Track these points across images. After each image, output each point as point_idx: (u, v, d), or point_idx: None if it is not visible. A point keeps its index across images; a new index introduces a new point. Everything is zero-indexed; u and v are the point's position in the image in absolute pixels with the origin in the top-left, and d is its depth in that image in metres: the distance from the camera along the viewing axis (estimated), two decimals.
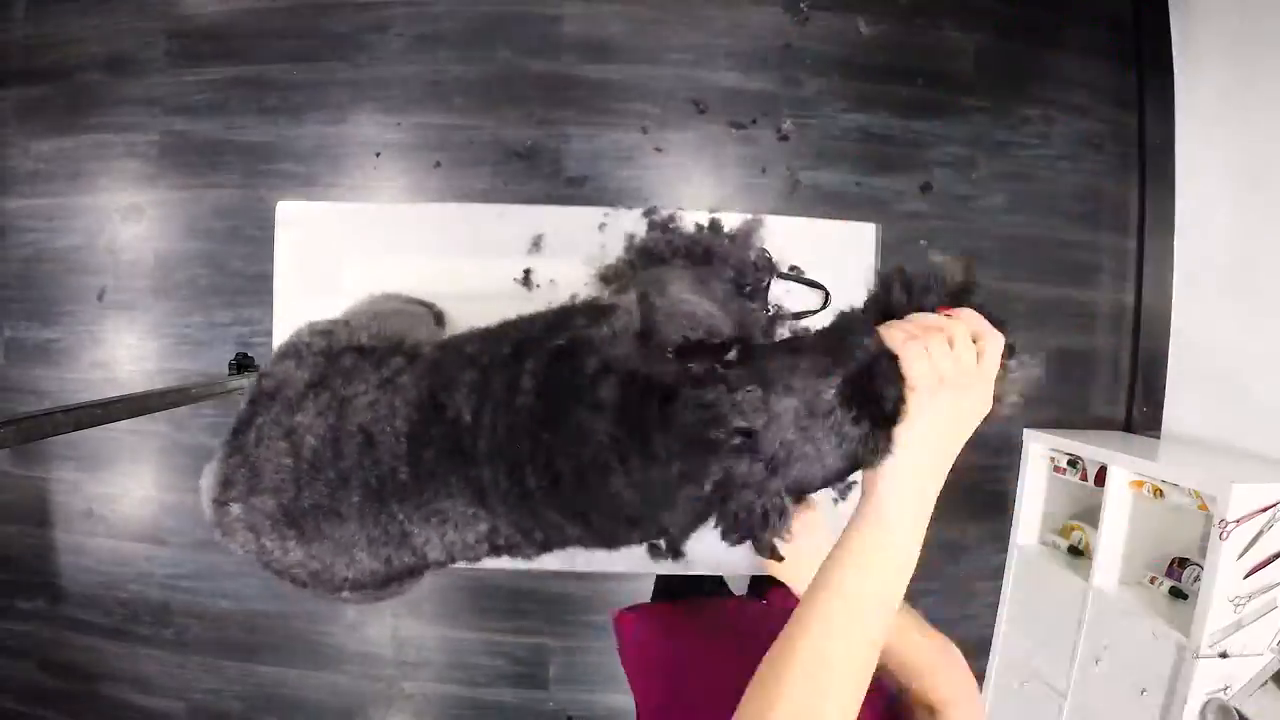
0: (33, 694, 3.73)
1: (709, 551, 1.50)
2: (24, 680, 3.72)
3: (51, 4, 3.52)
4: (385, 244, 2.19)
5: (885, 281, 1.04)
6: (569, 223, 2.17)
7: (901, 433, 0.95)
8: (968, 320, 0.96)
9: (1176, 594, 2.85)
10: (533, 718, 3.63)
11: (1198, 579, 2.69)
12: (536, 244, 2.14)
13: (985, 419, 1.00)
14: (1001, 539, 3.52)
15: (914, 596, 3.04)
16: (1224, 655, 2.52)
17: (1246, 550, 2.50)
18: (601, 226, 2.14)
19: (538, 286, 2.09)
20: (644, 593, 3.53)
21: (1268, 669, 2.57)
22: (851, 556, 0.93)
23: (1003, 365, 0.98)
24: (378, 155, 3.43)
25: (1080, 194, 3.55)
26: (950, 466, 0.98)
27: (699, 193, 3.44)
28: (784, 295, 1.90)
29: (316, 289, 2.18)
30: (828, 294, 1.81)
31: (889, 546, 0.94)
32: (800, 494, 1.04)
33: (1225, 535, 2.47)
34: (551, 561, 1.61)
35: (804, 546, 1.20)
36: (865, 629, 0.89)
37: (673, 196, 3.40)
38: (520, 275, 2.10)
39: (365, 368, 1.15)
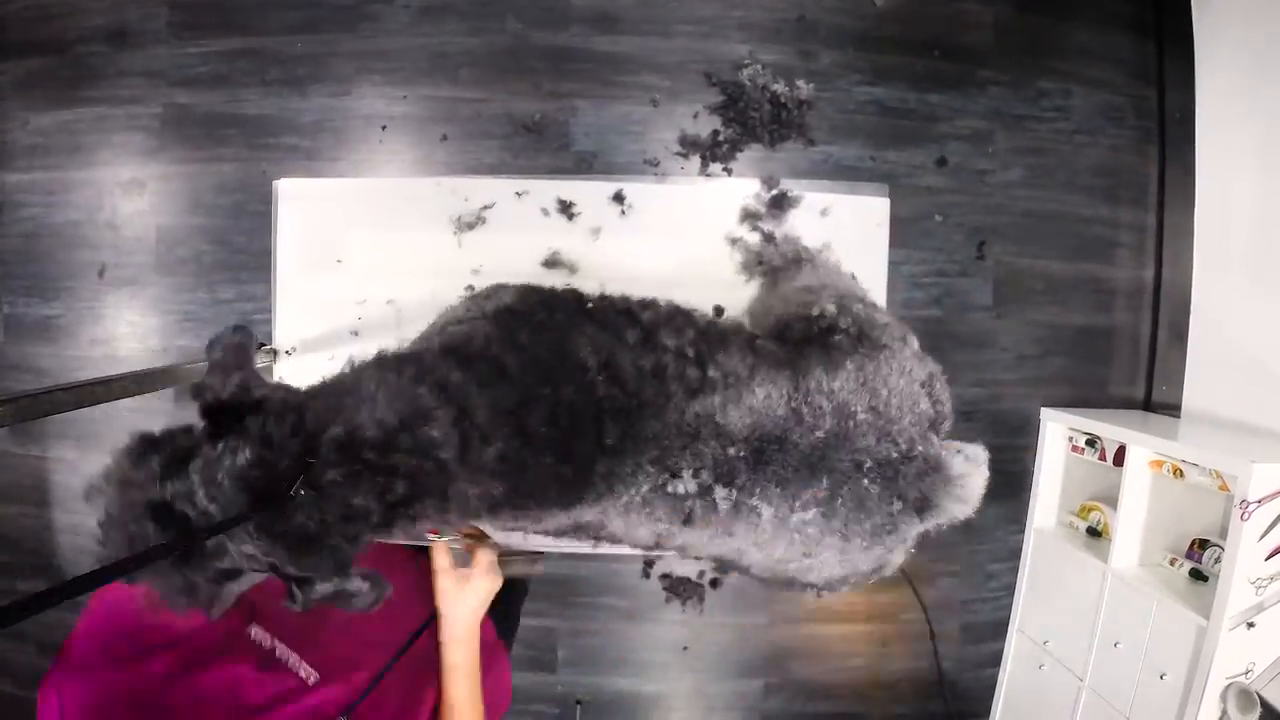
0: (33, 678, 3.64)
1: None
2: (24, 664, 3.70)
3: None
4: (390, 220, 2.16)
5: None
6: (587, 197, 2.13)
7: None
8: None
9: (1197, 576, 2.82)
10: (541, 701, 3.60)
11: (1218, 560, 2.68)
12: (547, 214, 2.11)
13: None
14: (1019, 520, 3.49)
15: (933, 578, 3.00)
16: (1251, 625, 2.49)
17: (1268, 531, 2.48)
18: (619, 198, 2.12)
19: (563, 266, 2.07)
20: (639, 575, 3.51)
21: None
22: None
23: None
24: (383, 129, 3.38)
25: (1099, 168, 3.51)
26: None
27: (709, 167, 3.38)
28: None
29: (319, 266, 2.15)
30: None
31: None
32: None
33: (1246, 516, 2.44)
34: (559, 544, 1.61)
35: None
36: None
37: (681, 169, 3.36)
38: (544, 254, 2.07)
39: None
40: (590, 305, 1.48)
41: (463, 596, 1.55)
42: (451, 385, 1.17)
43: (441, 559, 1.59)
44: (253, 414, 1.02)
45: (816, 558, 1.34)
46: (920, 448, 1.30)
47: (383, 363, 1.22)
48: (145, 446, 1.02)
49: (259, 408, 1.03)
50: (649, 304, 1.49)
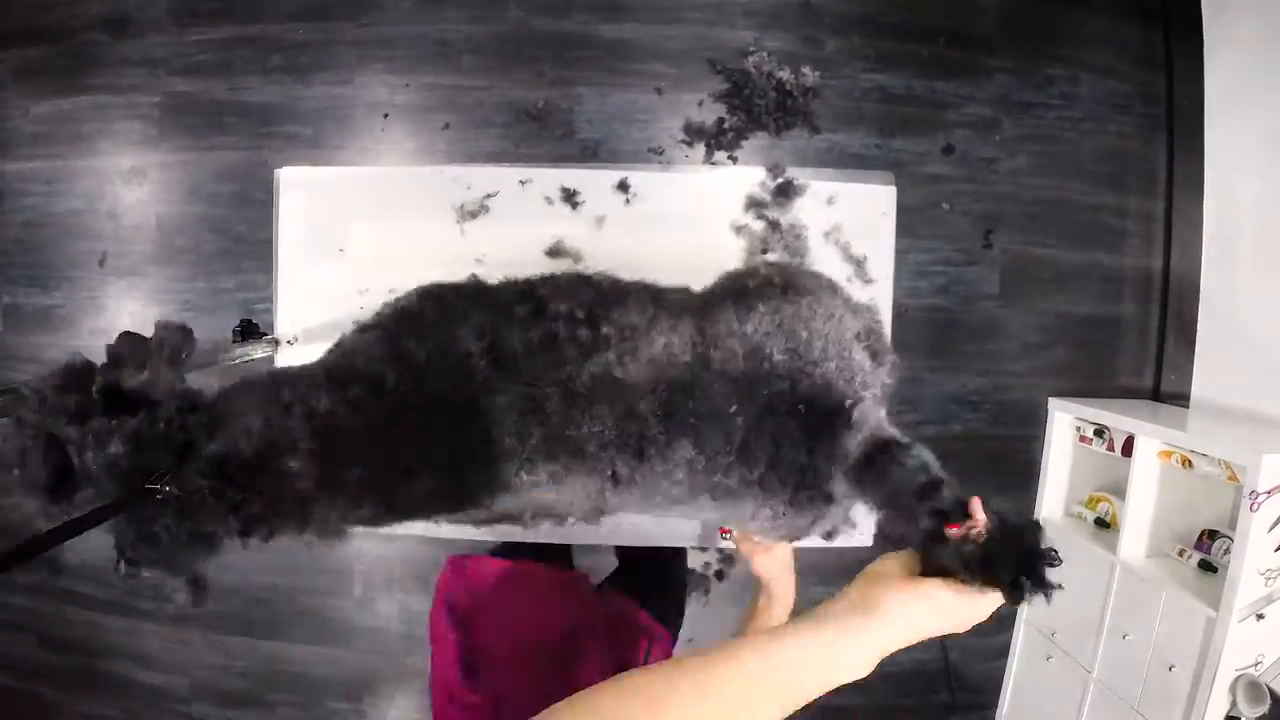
0: (32, 670, 3.70)
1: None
2: (23, 656, 3.69)
3: None
4: (392, 208, 2.14)
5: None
6: (591, 185, 2.12)
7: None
8: None
9: (1206, 567, 2.81)
10: None
11: (1227, 551, 2.65)
12: (550, 203, 2.09)
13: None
14: (1026, 511, 3.46)
15: None
16: (1260, 617, 2.47)
17: (1278, 522, 2.45)
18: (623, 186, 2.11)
19: (567, 255, 2.05)
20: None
21: None
22: (816, 653, 0.95)
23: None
24: (385, 117, 3.36)
25: (1106, 156, 3.49)
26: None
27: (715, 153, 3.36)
28: None
29: (321, 255, 2.14)
30: None
31: (844, 667, 0.95)
32: None
33: (1255, 506, 2.42)
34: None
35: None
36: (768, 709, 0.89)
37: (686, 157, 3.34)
38: (547, 244, 2.06)
39: None
40: (487, 288, 1.49)
41: (775, 558, 1.67)
42: (319, 413, 1.19)
43: (745, 544, 1.69)
44: (142, 409, 1.05)
45: (743, 514, 1.34)
46: (845, 397, 1.27)
47: (275, 379, 1.25)
48: (74, 378, 1.05)
49: (149, 406, 1.06)
50: (547, 279, 1.49)
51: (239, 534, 1.08)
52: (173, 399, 1.09)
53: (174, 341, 1.15)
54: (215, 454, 1.05)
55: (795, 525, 1.37)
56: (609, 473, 1.29)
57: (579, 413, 1.26)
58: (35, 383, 1.06)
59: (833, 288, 1.46)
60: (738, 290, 1.41)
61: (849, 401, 1.26)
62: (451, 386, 1.27)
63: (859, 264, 2.12)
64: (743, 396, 1.25)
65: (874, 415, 1.28)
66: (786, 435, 1.24)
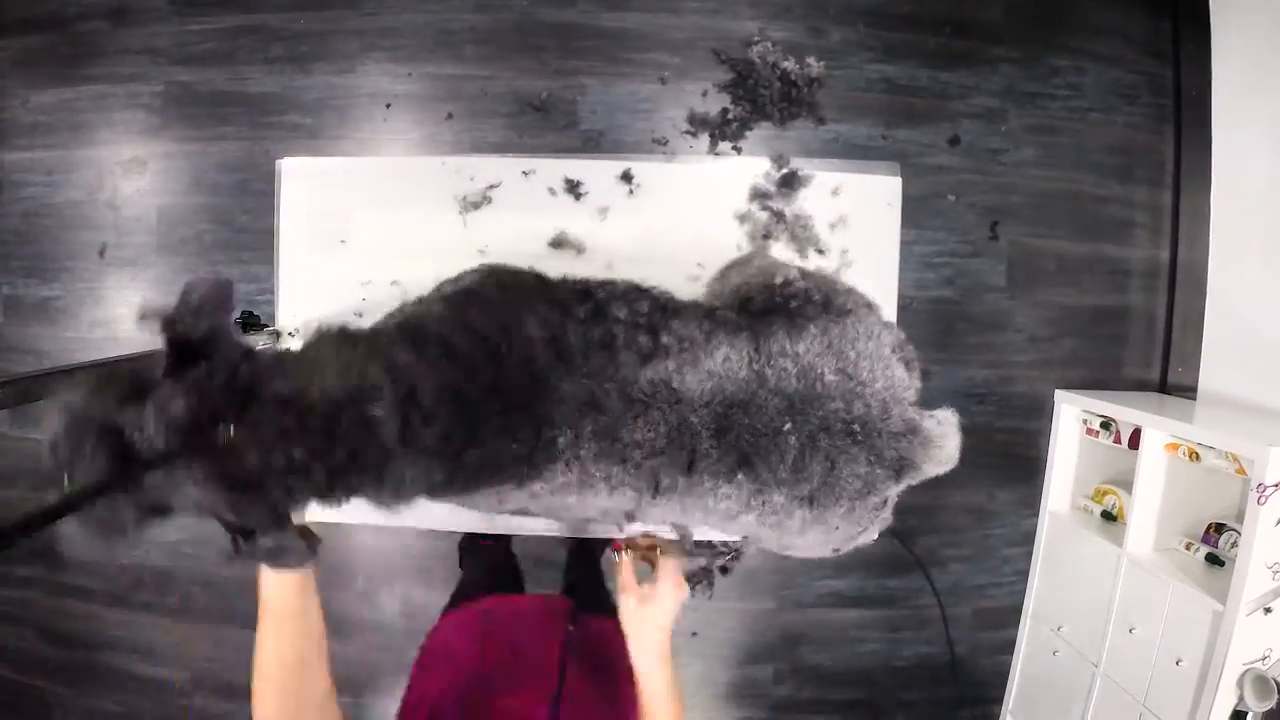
0: (32, 663, 3.69)
1: None
2: (22, 649, 3.68)
3: None
4: (394, 199, 2.13)
5: None
6: (594, 176, 2.10)
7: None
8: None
9: (1213, 560, 2.79)
10: None
11: (1235, 545, 2.65)
12: (553, 194, 2.08)
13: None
14: (1032, 504, 3.46)
15: (945, 563, 2.95)
16: (1268, 610, 2.45)
17: None
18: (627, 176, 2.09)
19: (570, 246, 2.04)
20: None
21: None
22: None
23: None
24: (388, 107, 3.35)
25: (1113, 147, 3.47)
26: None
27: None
28: None
29: (323, 246, 2.12)
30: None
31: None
32: None
33: (1263, 499, 2.41)
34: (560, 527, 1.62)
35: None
36: None
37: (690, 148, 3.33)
38: (550, 235, 2.05)
39: None
40: (548, 283, 1.49)
41: (649, 615, 1.47)
42: (401, 366, 1.19)
43: (625, 575, 1.53)
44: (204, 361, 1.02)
45: (789, 529, 1.36)
46: (896, 410, 1.32)
47: (342, 336, 1.21)
48: (105, 381, 1.02)
49: (209, 359, 1.03)
50: (606, 283, 1.49)
51: (325, 491, 1.06)
52: (235, 348, 1.06)
53: (217, 286, 1.13)
54: (281, 394, 1.03)
55: (846, 535, 1.41)
56: (653, 483, 1.29)
57: (633, 416, 1.27)
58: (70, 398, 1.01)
59: (869, 305, 1.47)
60: (783, 308, 1.41)
61: (924, 419, 1.33)
62: (518, 365, 1.27)
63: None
64: (796, 415, 1.28)
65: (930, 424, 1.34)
66: (842, 453, 1.27)
